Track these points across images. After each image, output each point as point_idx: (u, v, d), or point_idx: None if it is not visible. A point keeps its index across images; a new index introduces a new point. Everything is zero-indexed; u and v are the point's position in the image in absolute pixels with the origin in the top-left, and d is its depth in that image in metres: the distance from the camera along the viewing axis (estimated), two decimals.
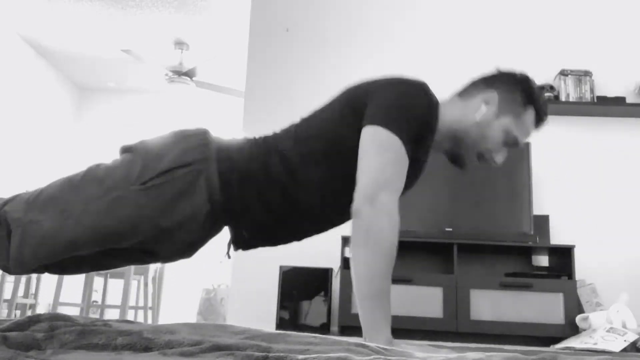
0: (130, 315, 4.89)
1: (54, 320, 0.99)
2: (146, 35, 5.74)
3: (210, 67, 6.13)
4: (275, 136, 1.45)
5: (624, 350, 2.52)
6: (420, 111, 1.36)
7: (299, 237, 1.49)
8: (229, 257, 1.50)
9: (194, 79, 5.86)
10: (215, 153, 1.37)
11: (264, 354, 0.84)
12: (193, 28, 5.56)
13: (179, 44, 5.88)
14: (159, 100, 7.24)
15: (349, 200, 1.32)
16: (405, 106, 1.34)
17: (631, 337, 2.57)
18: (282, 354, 0.84)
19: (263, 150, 1.40)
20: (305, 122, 1.45)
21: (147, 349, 0.89)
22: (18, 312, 3.96)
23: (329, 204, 1.40)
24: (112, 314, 5.94)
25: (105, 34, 5.74)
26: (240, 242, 1.44)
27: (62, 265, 1.42)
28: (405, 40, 3.95)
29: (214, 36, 5.69)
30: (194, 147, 1.36)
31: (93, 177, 1.35)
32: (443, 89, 4.13)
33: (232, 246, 1.46)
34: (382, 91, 1.38)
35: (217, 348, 0.88)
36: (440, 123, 1.43)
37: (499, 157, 1.46)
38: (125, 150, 1.42)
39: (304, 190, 1.37)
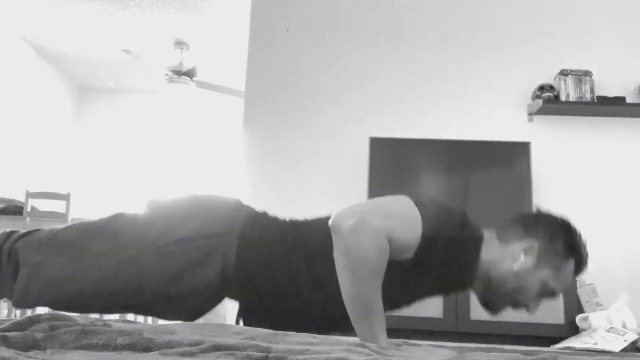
0: (130, 316, 4.88)
1: (54, 320, 0.98)
2: (146, 35, 5.73)
3: (210, 67, 6.12)
4: (305, 228, 1.37)
5: (624, 350, 2.52)
6: (454, 240, 1.28)
7: (300, 330, 1.42)
8: (238, 323, 1.44)
9: (194, 79, 5.86)
10: (239, 229, 1.32)
11: (264, 354, 0.84)
12: (193, 28, 5.55)
13: (179, 44, 5.88)
14: (159, 100, 7.24)
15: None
16: (443, 211, 1.30)
17: (631, 337, 2.57)
18: (282, 354, 0.84)
19: (288, 244, 1.33)
20: None
21: (147, 349, 0.89)
22: (18, 312, 3.96)
23: (343, 312, 1.27)
24: (112, 314, 5.93)
25: (105, 34, 5.74)
26: (242, 319, 1.39)
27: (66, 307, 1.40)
28: (405, 40, 3.95)
29: (214, 36, 5.69)
30: (219, 218, 1.32)
31: (111, 230, 1.33)
32: (443, 89, 4.14)
33: (241, 315, 1.41)
34: (425, 206, 1.30)
35: (217, 348, 0.88)
36: (480, 260, 1.34)
37: (534, 307, 1.37)
38: (152, 206, 1.38)
39: (322, 295, 1.31)
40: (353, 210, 1.24)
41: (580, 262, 1.38)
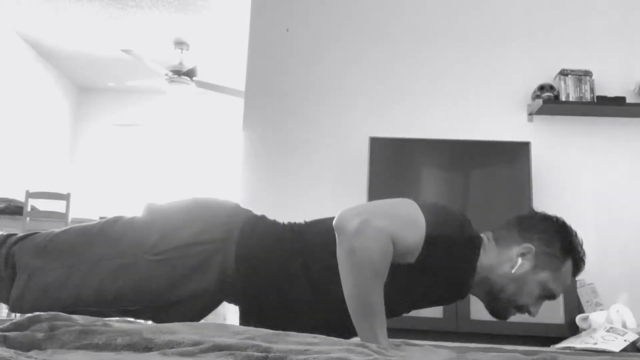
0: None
1: (54, 320, 0.98)
2: (146, 35, 5.73)
3: (210, 67, 6.13)
4: (304, 232, 1.37)
5: (624, 350, 2.52)
6: (457, 244, 1.29)
7: (299, 331, 1.42)
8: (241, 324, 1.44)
9: (194, 79, 5.86)
10: (238, 234, 1.31)
11: (264, 354, 0.84)
12: (193, 28, 5.55)
13: (179, 44, 5.88)
14: (159, 100, 7.24)
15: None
16: (442, 216, 1.30)
17: (631, 337, 2.57)
18: (282, 354, 0.84)
19: (287, 250, 1.33)
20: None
21: (147, 349, 0.89)
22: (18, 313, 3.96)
23: (343, 318, 1.27)
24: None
25: (105, 34, 5.74)
26: (243, 323, 1.39)
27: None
28: (405, 39, 3.95)
29: (214, 36, 5.69)
30: (218, 224, 1.32)
31: (108, 236, 1.32)
32: (443, 89, 4.14)
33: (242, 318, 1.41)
34: (426, 210, 1.30)
35: (217, 348, 0.88)
36: (478, 265, 1.35)
37: (534, 309, 1.38)
38: (150, 211, 1.37)
39: (316, 302, 1.31)
40: (357, 211, 1.23)
41: (577, 262, 1.37)
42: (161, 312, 1.33)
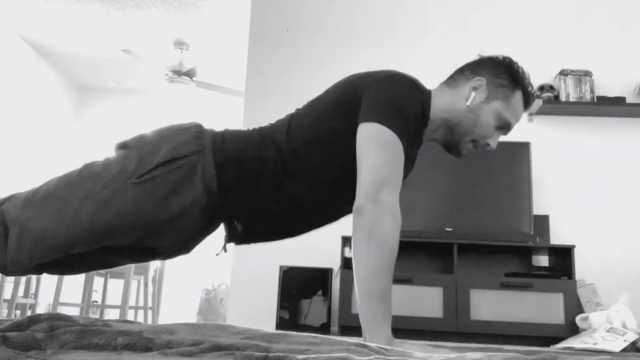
0: (130, 315, 4.88)
1: (54, 320, 0.99)
2: (146, 35, 5.74)
3: (210, 67, 6.13)
4: (271, 127, 1.46)
5: (624, 350, 2.52)
6: (414, 106, 1.39)
7: (293, 233, 1.49)
8: (226, 251, 1.50)
9: (194, 79, 5.86)
10: (210, 144, 1.37)
11: (264, 354, 0.84)
12: (193, 28, 5.55)
13: (179, 44, 5.88)
14: (159, 100, 7.24)
15: (345, 194, 1.34)
16: (400, 102, 1.36)
17: (631, 337, 2.57)
18: (282, 354, 0.84)
19: (258, 142, 1.40)
20: (301, 112, 1.46)
21: (147, 349, 0.89)
22: (18, 312, 3.96)
23: (323, 197, 1.41)
24: (112, 314, 5.94)
25: (105, 34, 5.74)
26: (235, 236, 1.45)
27: (60, 265, 1.41)
28: (405, 39, 3.95)
29: (214, 36, 5.69)
30: (189, 139, 1.37)
31: (89, 174, 1.35)
32: None
33: (227, 240, 1.47)
34: (377, 87, 1.38)
35: (217, 348, 0.88)
36: (432, 112, 1.46)
37: (493, 142, 1.48)
38: (121, 146, 1.42)
39: (298, 183, 1.38)
40: (375, 186, 1.28)
41: (527, 92, 1.48)
42: (157, 237, 1.35)
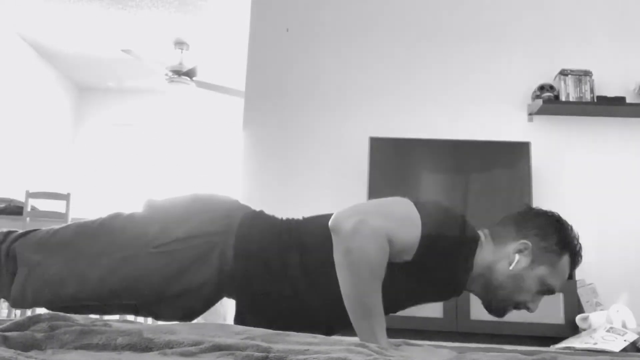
0: (130, 316, 4.88)
1: (54, 320, 0.98)
2: (146, 35, 5.73)
3: (210, 67, 6.12)
4: (302, 227, 1.38)
5: (624, 350, 2.52)
6: (453, 241, 1.30)
7: (296, 330, 1.40)
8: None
9: (194, 79, 5.86)
10: (237, 227, 1.32)
11: (264, 354, 0.84)
12: (193, 28, 5.55)
13: (179, 44, 5.87)
14: (159, 100, 7.24)
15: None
16: (442, 225, 1.30)
17: (631, 337, 2.57)
18: (282, 354, 0.84)
19: (285, 242, 1.34)
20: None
21: (147, 349, 0.89)
22: (18, 312, 3.96)
23: (338, 313, 1.27)
24: (110, 315, 5.92)
25: (105, 34, 5.74)
26: (240, 320, 1.39)
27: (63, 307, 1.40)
28: (405, 39, 3.95)
29: (214, 36, 5.69)
30: (216, 218, 1.33)
31: (108, 230, 1.33)
32: (443, 89, 4.13)
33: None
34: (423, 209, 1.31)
35: (217, 348, 0.88)
36: (475, 263, 1.35)
37: (534, 306, 1.38)
38: (149, 205, 1.38)
39: (315, 297, 1.32)
40: (353, 211, 1.24)
41: (574, 256, 1.37)
42: (161, 306, 1.33)
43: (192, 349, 0.87)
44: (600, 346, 2.55)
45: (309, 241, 1.34)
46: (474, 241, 1.35)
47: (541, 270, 1.34)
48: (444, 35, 3.93)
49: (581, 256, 1.39)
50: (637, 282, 3.44)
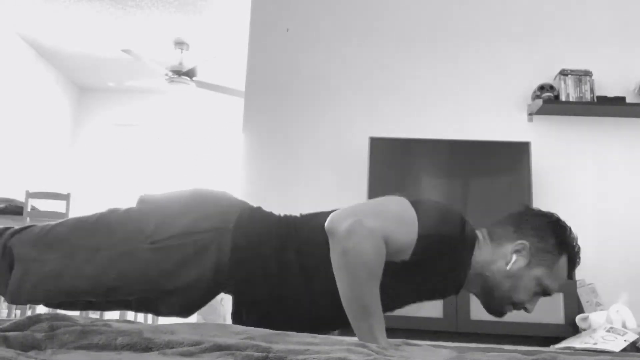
0: (130, 315, 4.88)
1: (54, 320, 0.98)
2: (146, 35, 5.73)
3: (210, 67, 6.12)
4: (300, 224, 1.38)
5: (624, 350, 2.52)
6: (450, 241, 1.30)
7: (295, 329, 1.32)
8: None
9: (194, 79, 5.86)
10: (234, 223, 1.32)
11: (264, 354, 0.84)
12: (193, 28, 5.55)
13: (179, 44, 5.88)
14: (159, 100, 7.24)
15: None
16: (440, 226, 1.29)
17: (631, 337, 2.57)
18: (282, 354, 0.84)
19: (283, 239, 1.33)
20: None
21: (147, 349, 0.89)
22: (18, 312, 3.96)
23: (336, 310, 1.27)
24: (112, 314, 5.93)
25: (105, 34, 5.74)
26: (237, 317, 1.39)
27: (57, 303, 1.39)
28: (405, 40, 3.95)
29: (214, 36, 5.69)
30: (214, 214, 1.32)
31: (106, 225, 1.32)
32: (443, 89, 4.13)
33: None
34: (422, 210, 1.30)
35: (217, 348, 0.88)
36: (472, 262, 1.36)
37: (530, 306, 1.39)
38: (144, 201, 1.38)
39: (312, 293, 1.32)
40: (348, 212, 1.24)
41: (572, 258, 1.38)
42: (158, 301, 1.33)
43: (192, 349, 0.87)
44: (600, 346, 2.55)
45: (306, 238, 1.34)
46: (472, 240, 1.35)
47: (538, 271, 1.34)
48: (444, 36, 3.93)
49: (579, 258, 1.39)
50: (637, 282, 3.44)
